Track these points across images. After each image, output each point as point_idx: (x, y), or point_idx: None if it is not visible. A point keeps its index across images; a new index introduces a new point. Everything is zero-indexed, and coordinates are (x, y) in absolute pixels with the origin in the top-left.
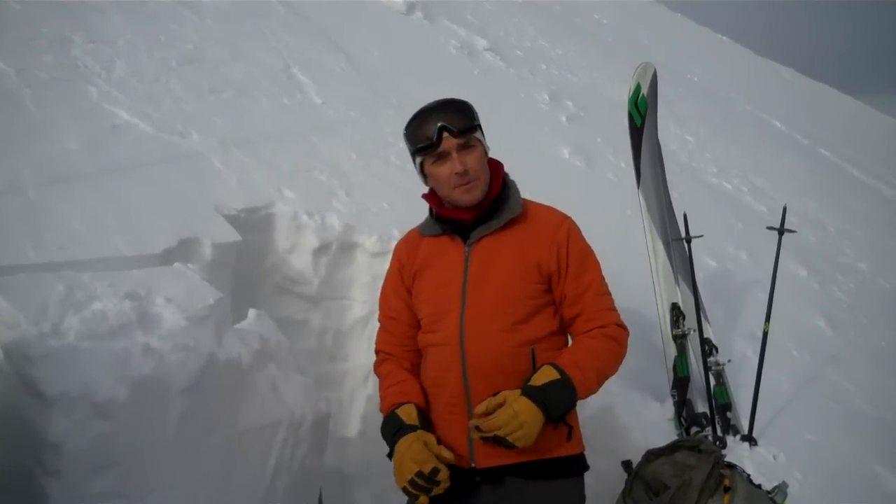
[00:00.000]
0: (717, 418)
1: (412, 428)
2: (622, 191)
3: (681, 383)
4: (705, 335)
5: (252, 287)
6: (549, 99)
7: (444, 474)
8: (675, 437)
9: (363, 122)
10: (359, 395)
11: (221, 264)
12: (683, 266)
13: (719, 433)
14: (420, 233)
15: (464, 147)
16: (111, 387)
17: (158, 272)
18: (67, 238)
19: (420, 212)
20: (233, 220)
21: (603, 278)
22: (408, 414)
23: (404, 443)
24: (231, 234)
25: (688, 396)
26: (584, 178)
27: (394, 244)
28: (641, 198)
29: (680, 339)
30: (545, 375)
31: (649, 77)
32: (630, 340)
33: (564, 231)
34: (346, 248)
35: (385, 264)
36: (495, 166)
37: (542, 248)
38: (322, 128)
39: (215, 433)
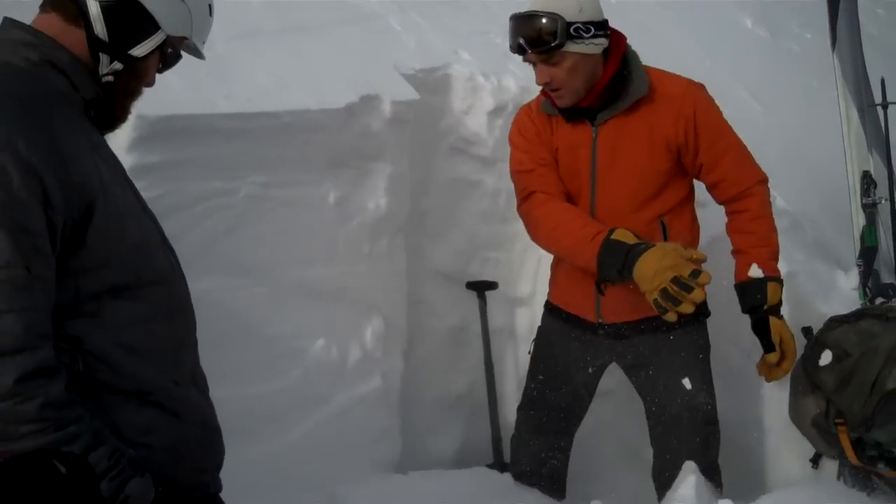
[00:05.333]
0: None
1: (647, 244)
2: (807, 63)
3: (868, 253)
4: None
5: (428, 147)
6: None
7: (705, 277)
8: (858, 307)
9: None
10: (530, 257)
11: (400, 121)
12: (877, 135)
13: None
14: (543, 110)
15: (548, 61)
16: None
17: None
18: (255, 91)
19: None
20: (411, 80)
21: (737, 137)
22: (627, 236)
23: (654, 255)
24: (410, 93)
25: (874, 267)
26: (768, 49)
27: None
28: (836, 61)
29: (869, 209)
30: (775, 294)
31: None
32: (816, 210)
33: (690, 102)
34: None
35: None
36: (615, 42)
37: (669, 124)
38: None
39: None
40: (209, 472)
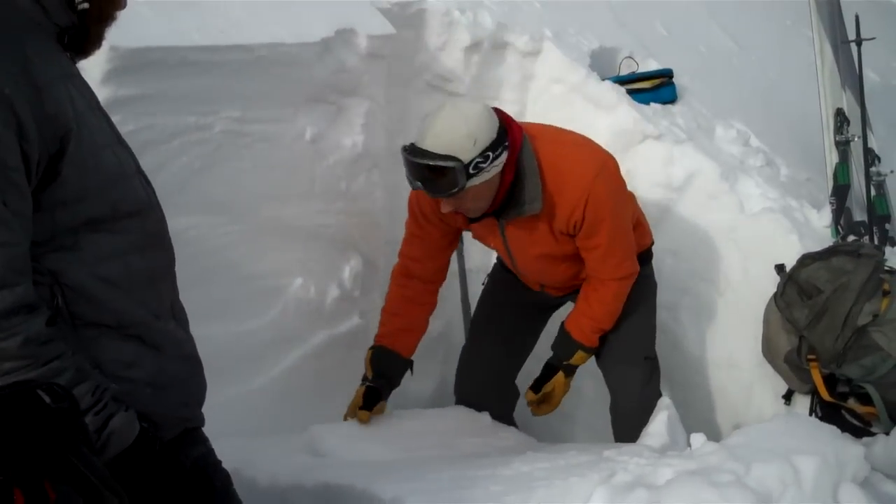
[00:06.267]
0: (874, 229)
1: (364, 381)
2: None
3: (840, 191)
4: (868, 145)
5: (403, 84)
6: None
7: None
8: (830, 244)
9: None
10: None
11: (377, 56)
12: (850, 72)
13: (876, 244)
14: None
15: (450, 198)
16: None
17: None
18: (228, 23)
19: (576, 18)
20: (386, 14)
21: (611, 237)
22: (369, 363)
23: (357, 391)
24: (386, 27)
25: (846, 205)
26: None
27: (545, 44)
28: None
29: (842, 146)
30: (579, 359)
31: None
32: (789, 148)
33: (582, 206)
34: (498, 46)
35: (535, 65)
36: (510, 146)
37: (563, 222)
38: None
39: None
40: (192, 406)
